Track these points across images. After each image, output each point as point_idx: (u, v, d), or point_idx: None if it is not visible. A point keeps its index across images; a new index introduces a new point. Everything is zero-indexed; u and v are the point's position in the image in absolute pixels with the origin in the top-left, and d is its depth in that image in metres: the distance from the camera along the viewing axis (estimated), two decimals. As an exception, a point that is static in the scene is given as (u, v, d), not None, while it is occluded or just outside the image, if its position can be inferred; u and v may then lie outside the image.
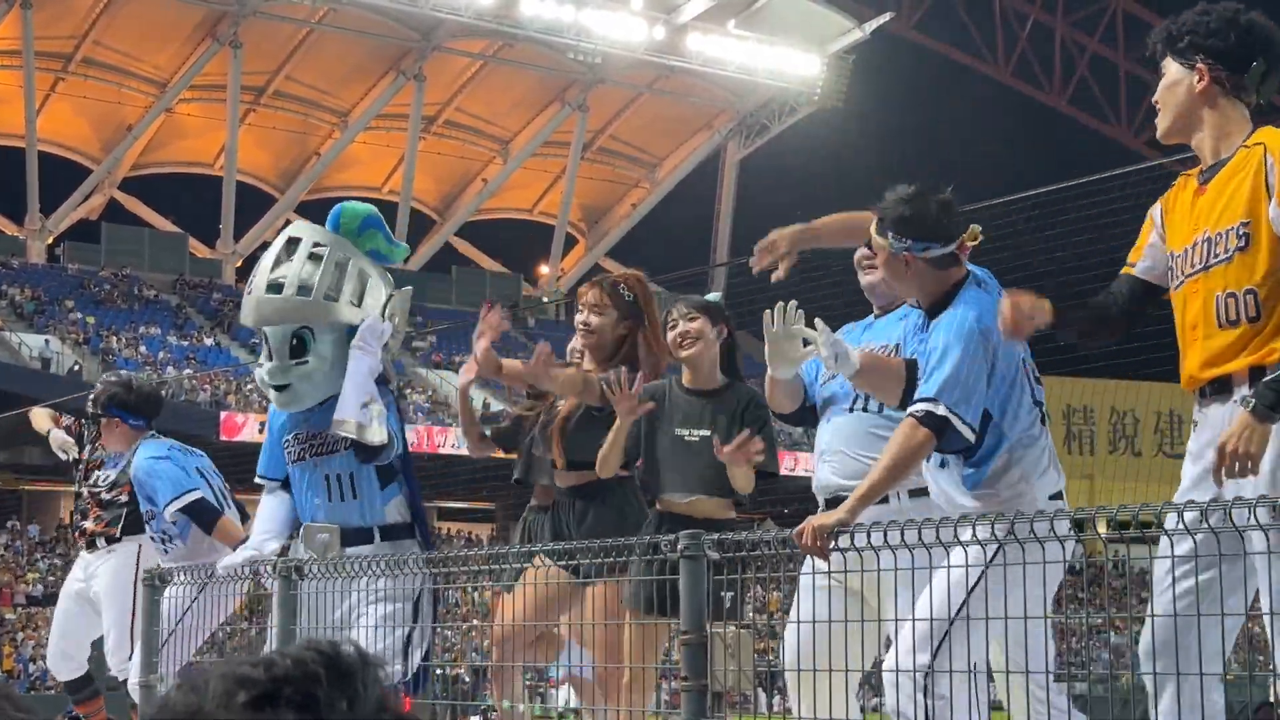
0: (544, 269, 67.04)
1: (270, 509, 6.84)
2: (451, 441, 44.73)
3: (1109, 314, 4.71)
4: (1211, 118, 4.49)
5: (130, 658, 8.86)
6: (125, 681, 8.90)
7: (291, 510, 6.80)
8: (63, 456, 9.73)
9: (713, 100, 64.91)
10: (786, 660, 5.27)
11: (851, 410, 5.43)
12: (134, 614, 8.86)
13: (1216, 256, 4.35)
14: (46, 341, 46.95)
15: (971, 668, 4.67)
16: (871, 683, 5.24)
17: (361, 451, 6.36)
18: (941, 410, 4.68)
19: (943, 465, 4.96)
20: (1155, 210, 4.69)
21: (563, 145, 64.54)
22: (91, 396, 8.95)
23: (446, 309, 58.82)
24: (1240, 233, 4.32)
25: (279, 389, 6.49)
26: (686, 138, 66.85)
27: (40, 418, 10.19)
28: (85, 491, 9.34)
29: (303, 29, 58.55)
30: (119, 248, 57.11)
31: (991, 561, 4.54)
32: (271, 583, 6.36)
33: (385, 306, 6.56)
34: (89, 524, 9.22)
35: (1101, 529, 4.22)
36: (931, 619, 4.66)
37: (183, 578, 7.28)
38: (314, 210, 65.39)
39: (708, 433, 6.14)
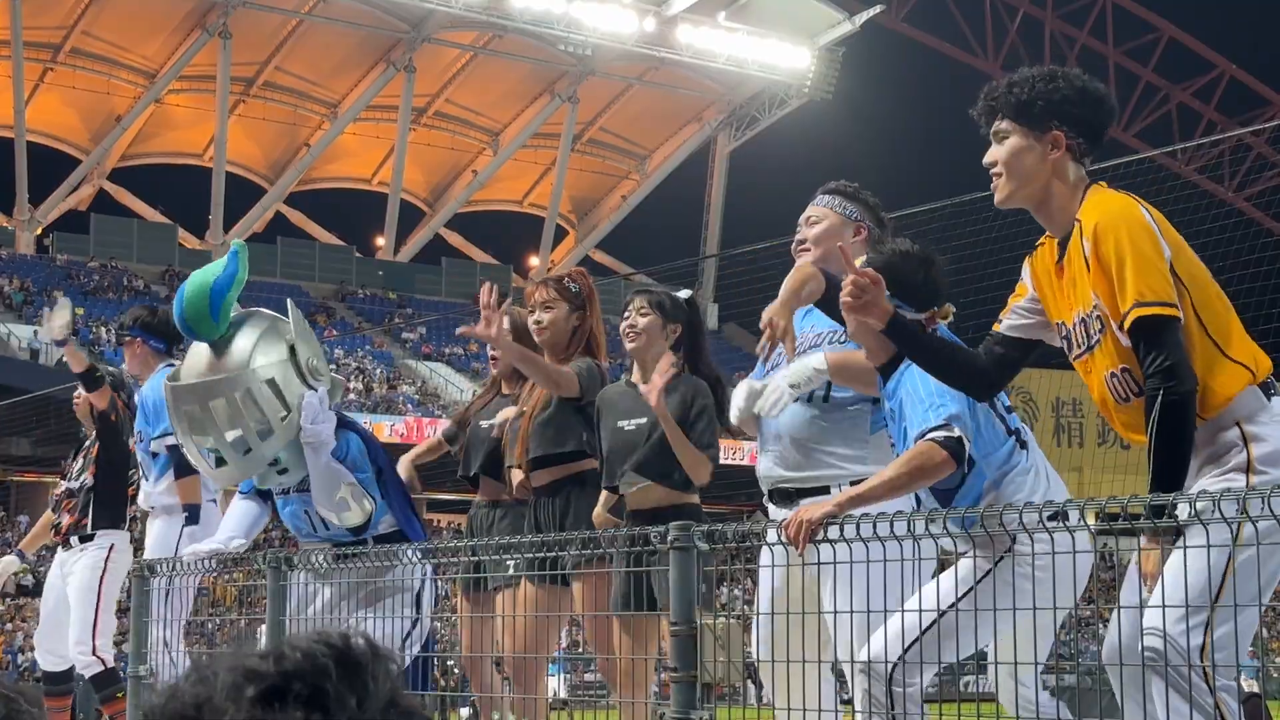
0: (534, 260, 67.01)
1: (239, 510, 6.99)
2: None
3: (972, 363, 4.67)
4: (1060, 186, 4.44)
5: (93, 652, 8.86)
6: (97, 674, 8.91)
7: (259, 516, 6.99)
8: None
9: (703, 92, 64.89)
10: (759, 653, 5.33)
11: (795, 400, 5.44)
12: (98, 610, 8.88)
13: (1092, 338, 4.37)
14: (35, 332, 46.89)
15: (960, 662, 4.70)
16: (834, 672, 5.28)
17: (351, 532, 6.53)
18: (958, 433, 4.68)
19: None
20: (1025, 272, 4.67)
21: (553, 137, 64.51)
22: (119, 320, 9.11)
23: (436, 300, 58.84)
24: (1095, 316, 4.34)
25: (300, 503, 6.68)
26: (676, 130, 66.83)
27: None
28: (62, 487, 9.34)
29: (292, 19, 58.44)
30: (108, 238, 57.03)
31: (984, 576, 4.57)
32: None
33: (301, 372, 6.45)
34: (64, 519, 9.18)
35: (1090, 521, 4.23)
36: (921, 609, 4.70)
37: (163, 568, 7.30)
38: (303, 201, 65.42)
39: (644, 420, 6.21)
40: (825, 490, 5.26)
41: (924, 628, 4.68)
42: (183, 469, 8.25)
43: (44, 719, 1.78)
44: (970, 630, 4.62)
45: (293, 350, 6.41)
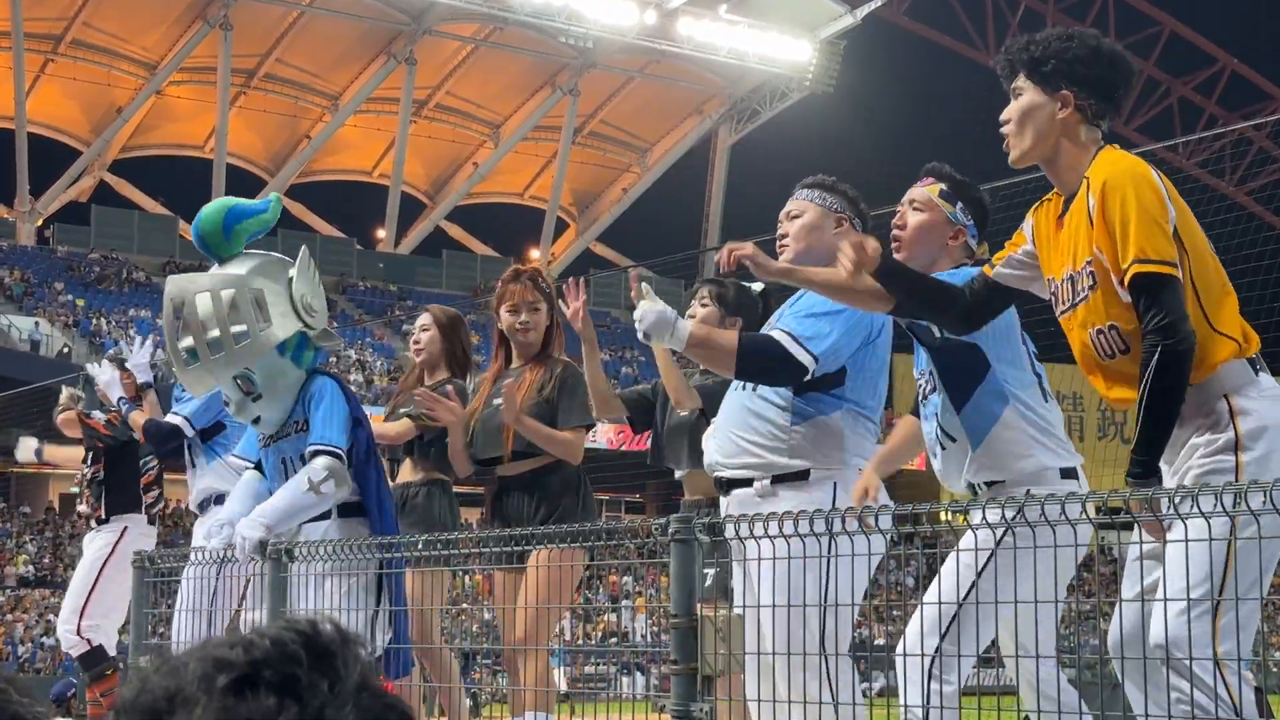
0: (535, 253, 66.99)
1: (243, 488, 7.04)
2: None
3: (954, 301, 4.71)
4: (1070, 145, 4.46)
5: (77, 632, 9.05)
6: (84, 654, 9.07)
7: (262, 491, 7.01)
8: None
9: (704, 85, 64.87)
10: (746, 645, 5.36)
11: (738, 390, 5.50)
12: (93, 590, 9.09)
13: (1079, 295, 4.37)
14: (36, 324, 46.88)
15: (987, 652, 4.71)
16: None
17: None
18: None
19: (943, 447, 5.00)
20: (1027, 224, 4.69)
21: (554, 130, 64.49)
22: None
23: (437, 293, 58.78)
24: (1088, 272, 4.35)
25: (253, 423, 6.75)
26: (677, 122, 66.81)
27: (25, 449, 10.37)
28: (83, 477, 9.63)
29: (293, 11, 58.44)
30: (108, 230, 56.99)
31: (999, 544, 4.55)
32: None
33: (295, 306, 6.57)
34: (84, 508, 9.51)
35: (1091, 514, 4.23)
36: (940, 602, 4.69)
37: (196, 557, 7.30)
38: (304, 193, 65.42)
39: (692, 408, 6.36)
40: (749, 483, 5.32)
41: (948, 619, 4.68)
42: (153, 432, 8.38)
43: (36, 708, 1.77)
44: (989, 616, 4.62)
45: (290, 283, 6.56)
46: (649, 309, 5.17)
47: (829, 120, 64.11)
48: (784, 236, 5.58)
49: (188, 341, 6.50)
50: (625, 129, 66.65)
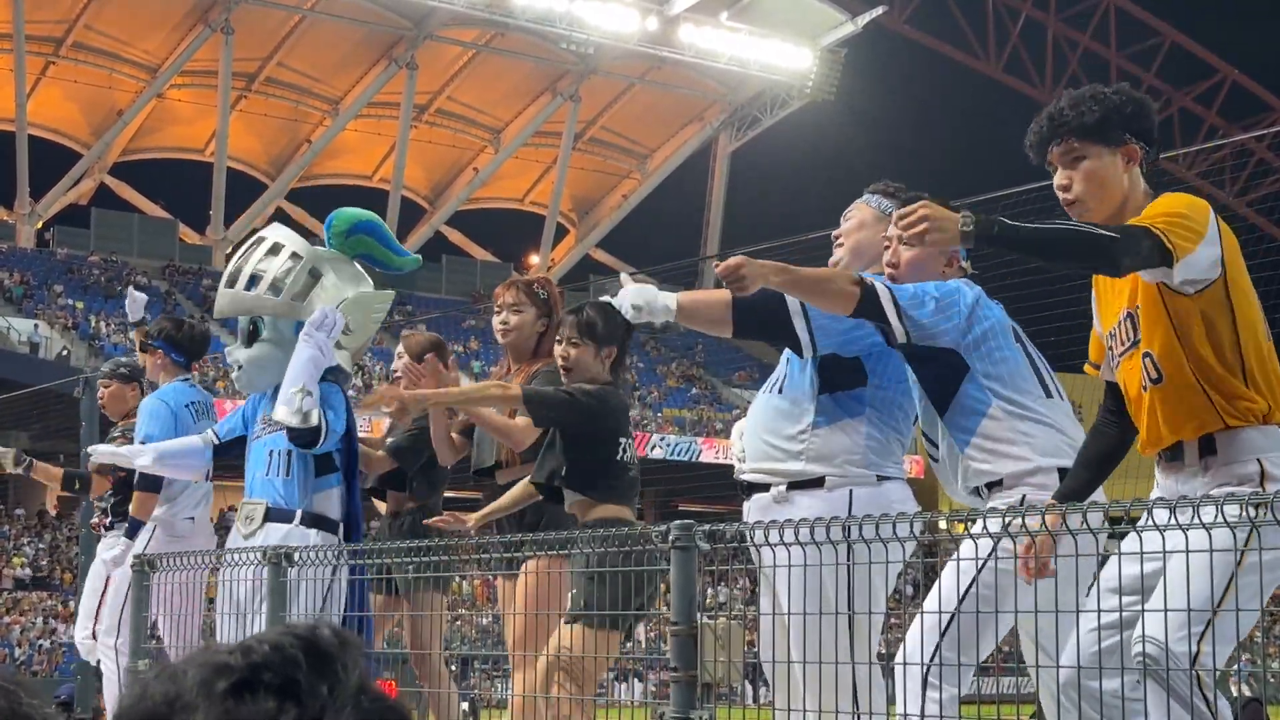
0: (534, 259, 66.99)
1: (183, 440, 7.55)
2: (440, 431, 44.64)
3: (1118, 435, 4.60)
4: (1133, 195, 4.47)
5: (93, 637, 9.01)
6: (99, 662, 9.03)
7: (196, 454, 7.49)
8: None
9: (704, 92, 64.90)
10: (762, 654, 5.35)
11: (768, 392, 5.49)
12: (102, 599, 9.03)
13: (1138, 332, 4.36)
14: (35, 326, 46.88)
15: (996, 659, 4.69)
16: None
17: (291, 434, 6.70)
18: (878, 286, 4.81)
19: (934, 459, 4.99)
20: (1093, 296, 4.67)
21: (554, 135, 64.52)
22: (148, 329, 9.11)
23: (436, 297, 58.87)
24: (1140, 307, 4.37)
25: (237, 368, 7.05)
26: (678, 129, 66.83)
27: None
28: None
29: (295, 15, 58.45)
30: (108, 233, 57.02)
31: (995, 552, 4.53)
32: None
33: (339, 307, 6.86)
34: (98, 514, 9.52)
35: (1095, 524, 4.21)
36: (940, 610, 4.68)
37: (177, 563, 7.30)
38: (304, 197, 65.42)
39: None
40: (766, 489, 5.31)
41: (944, 627, 4.66)
42: (145, 483, 8.35)
43: (45, 710, 1.77)
44: (988, 623, 4.60)
45: (346, 300, 6.93)
46: (637, 290, 5.12)
47: (829, 128, 64.20)
48: (839, 236, 5.64)
49: (236, 265, 6.97)
50: (626, 135, 66.68)
